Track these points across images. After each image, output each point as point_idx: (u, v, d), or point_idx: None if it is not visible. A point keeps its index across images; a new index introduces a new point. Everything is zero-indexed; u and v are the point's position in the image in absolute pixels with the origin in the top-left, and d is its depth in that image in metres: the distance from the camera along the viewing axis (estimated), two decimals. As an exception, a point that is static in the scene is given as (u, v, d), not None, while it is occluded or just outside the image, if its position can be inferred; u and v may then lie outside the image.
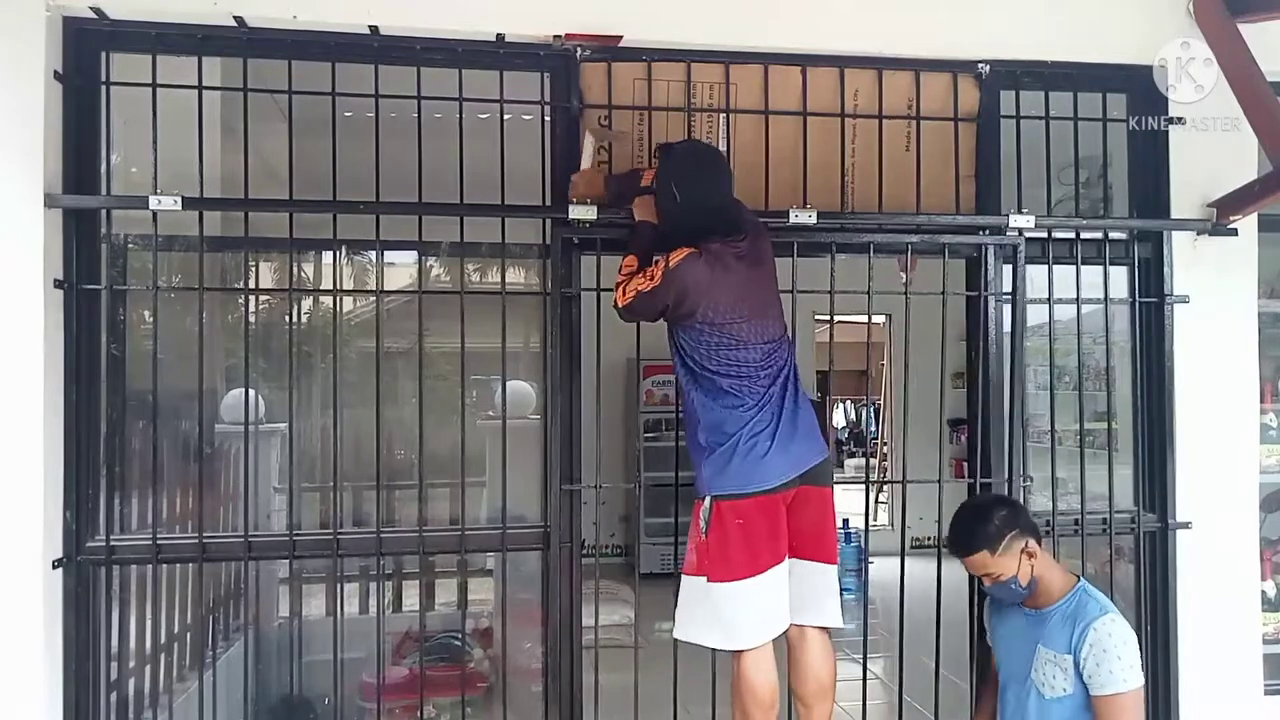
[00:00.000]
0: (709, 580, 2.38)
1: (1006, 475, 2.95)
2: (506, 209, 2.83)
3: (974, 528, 2.41)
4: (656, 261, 2.47)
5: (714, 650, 2.50)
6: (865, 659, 2.98)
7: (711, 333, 2.42)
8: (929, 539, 3.12)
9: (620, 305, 2.50)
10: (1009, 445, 2.96)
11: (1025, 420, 3.03)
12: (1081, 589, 2.40)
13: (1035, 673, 2.39)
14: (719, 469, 2.40)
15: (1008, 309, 2.99)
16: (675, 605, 2.48)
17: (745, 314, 2.44)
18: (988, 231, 2.97)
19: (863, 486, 3.87)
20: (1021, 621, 2.47)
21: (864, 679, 3.00)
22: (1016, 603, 2.47)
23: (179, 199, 2.60)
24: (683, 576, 2.47)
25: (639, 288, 2.45)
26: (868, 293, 2.92)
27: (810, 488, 2.47)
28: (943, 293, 2.96)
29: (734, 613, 2.35)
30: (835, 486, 2.61)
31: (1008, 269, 2.99)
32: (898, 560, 2.98)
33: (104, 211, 2.65)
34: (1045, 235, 3.03)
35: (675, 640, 2.52)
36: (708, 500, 2.40)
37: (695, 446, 2.49)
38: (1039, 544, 2.40)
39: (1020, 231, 2.93)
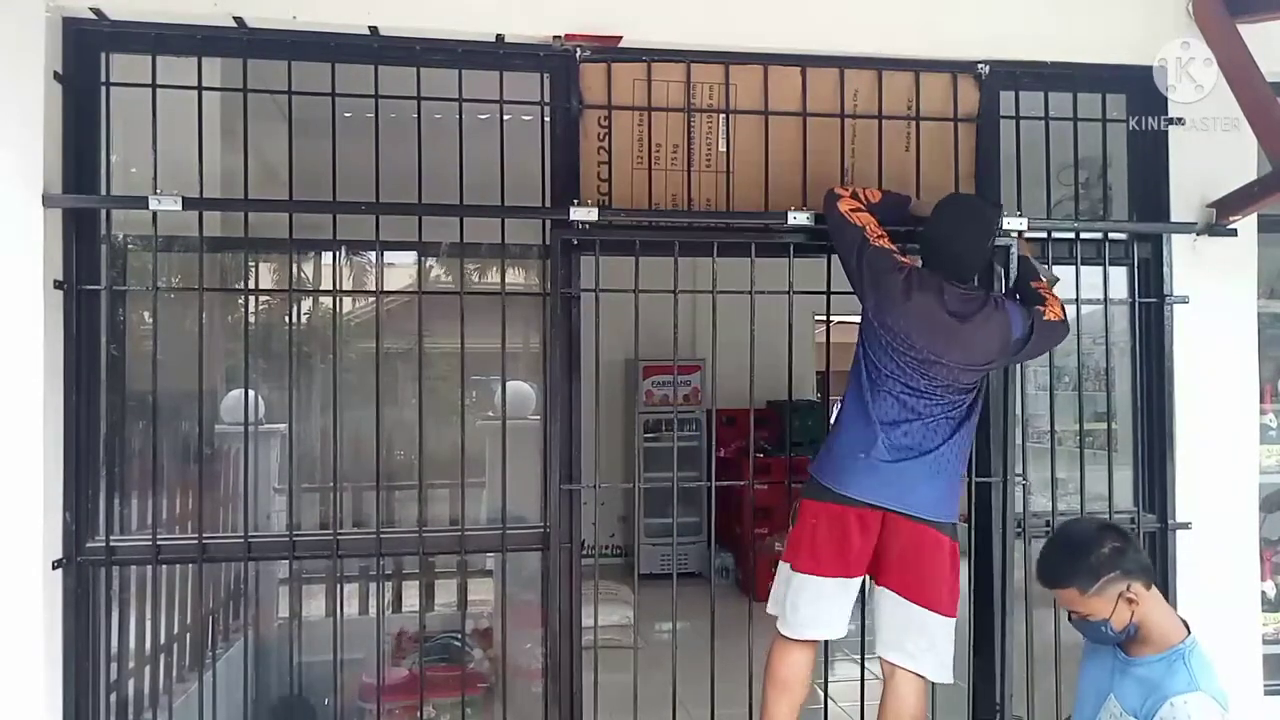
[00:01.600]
0: (782, 559, 2.61)
1: (1002, 474, 2.95)
2: (506, 210, 2.83)
3: (1068, 560, 2.13)
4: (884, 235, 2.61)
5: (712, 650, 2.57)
6: (863, 658, 2.98)
7: (878, 328, 2.52)
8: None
9: (838, 206, 2.61)
10: (1005, 444, 2.96)
11: (1022, 420, 3.03)
12: (1183, 651, 2.07)
13: None
14: (824, 452, 2.58)
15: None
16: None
17: (914, 345, 2.47)
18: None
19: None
20: (1109, 663, 2.20)
21: (861, 679, 3.01)
22: (1110, 643, 2.19)
23: (179, 199, 2.60)
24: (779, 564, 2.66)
25: (865, 223, 2.58)
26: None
27: (904, 520, 2.48)
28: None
29: (788, 598, 2.53)
30: (951, 542, 2.53)
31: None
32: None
33: (104, 212, 2.65)
34: (1045, 236, 3.03)
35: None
36: (803, 490, 2.61)
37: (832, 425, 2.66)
38: (1147, 588, 2.10)
39: (1012, 234, 2.92)
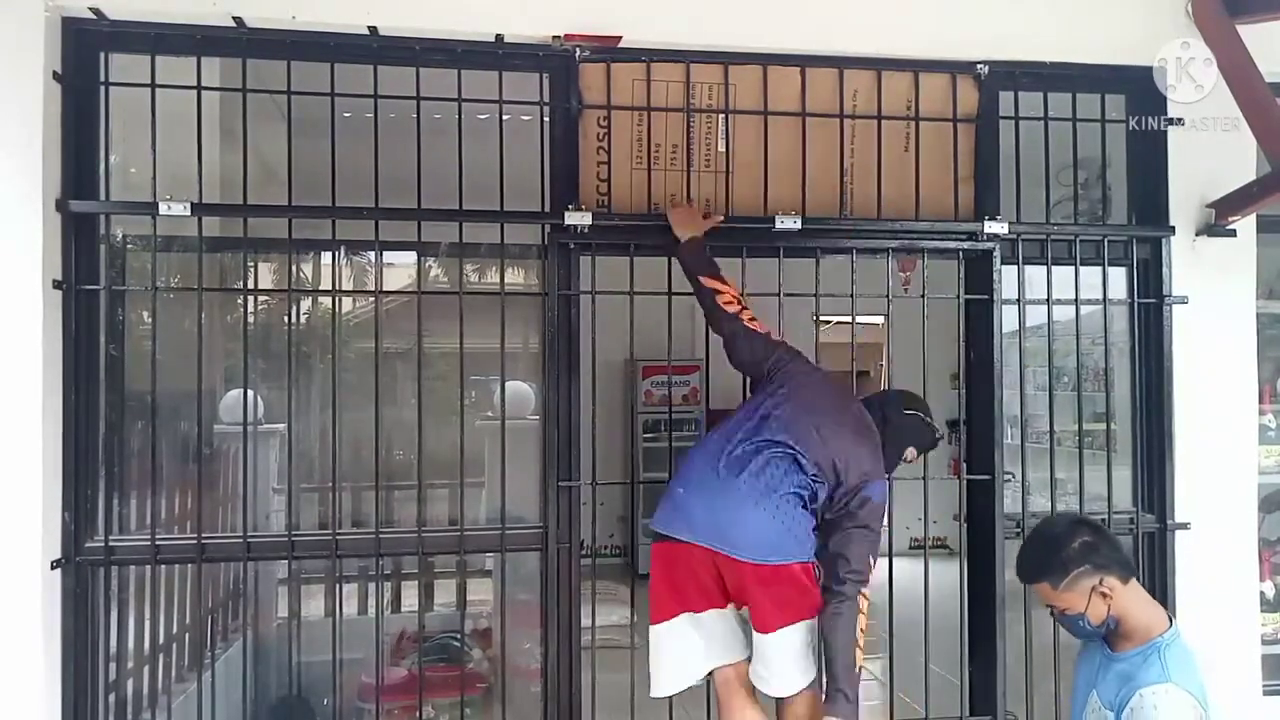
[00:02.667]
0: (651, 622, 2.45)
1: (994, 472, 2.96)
2: (504, 214, 2.83)
3: (1040, 555, 2.15)
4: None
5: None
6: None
7: (765, 398, 2.43)
8: (935, 539, 3.13)
9: (743, 327, 2.53)
10: (995, 442, 2.97)
11: (1022, 420, 3.04)
12: (1159, 644, 2.07)
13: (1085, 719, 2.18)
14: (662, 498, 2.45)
15: (1004, 309, 2.99)
16: None
17: (789, 410, 2.39)
18: (965, 237, 2.98)
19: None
20: (1097, 659, 2.20)
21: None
22: (1094, 638, 2.19)
23: (187, 205, 2.62)
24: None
25: (756, 325, 2.53)
26: (851, 295, 2.94)
27: (729, 559, 2.30)
28: (922, 295, 2.97)
29: (651, 656, 2.42)
30: (783, 572, 2.32)
31: (1010, 270, 3.00)
32: (901, 560, 2.99)
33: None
34: (1044, 236, 3.04)
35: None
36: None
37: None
38: (1124, 582, 2.10)
39: (995, 237, 2.94)
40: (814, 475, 2.35)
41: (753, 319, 2.55)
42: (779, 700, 2.39)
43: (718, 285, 2.58)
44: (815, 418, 2.40)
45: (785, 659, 2.34)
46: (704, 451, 2.42)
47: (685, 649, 2.40)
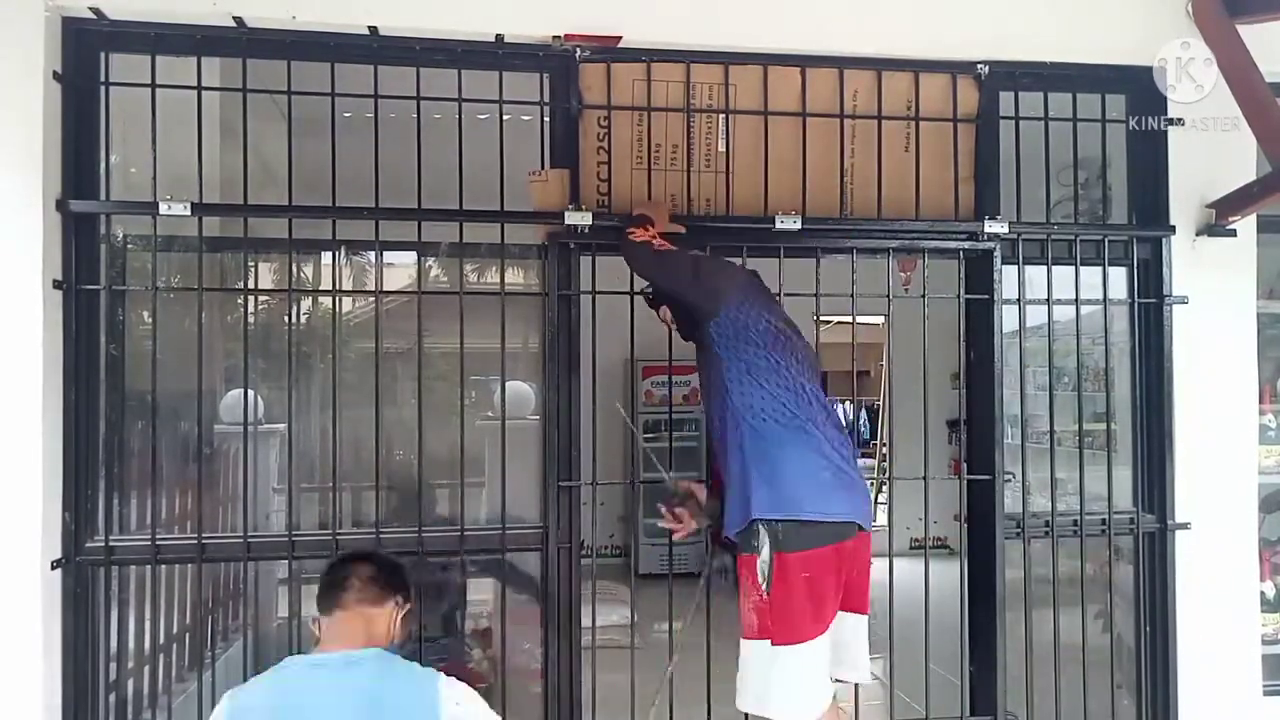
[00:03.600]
0: (773, 644, 2.18)
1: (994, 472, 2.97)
2: (504, 215, 2.83)
3: None
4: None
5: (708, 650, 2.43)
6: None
7: (769, 325, 2.29)
8: (935, 539, 3.13)
9: (641, 240, 2.41)
10: (995, 442, 2.97)
11: (1022, 421, 3.04)
12: None
13: None
14: (772, 485, 2.18)
15: (1004, 309, 2.99)
16: (736, 670, 2.31)
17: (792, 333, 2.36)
18: (965, 237, 2.98)
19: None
20: None
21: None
22: None
23: (187, 205, 2.62)
24: (742, 642, 2.27)
25: (667, 245, 2.41)
26: (851, 295, 2.94)
27: (865, 534, 2.30)
28: (923, 295, 2.97)
29: (803, 677, 2.17)
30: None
31: (1010, 270, 3.00)
32: (901, 560, 2.99)
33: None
34: (1044, 236, 3.04)
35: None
36: (766, 549, 2.18)
37: (738, 468, 2.26)
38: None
39: (996, 237, 2.94)
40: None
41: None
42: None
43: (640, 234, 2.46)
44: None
45: (866, 639, 2.37)
46: (807, 406, 2.24)
47: (824, 663, 2.23)
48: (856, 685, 2.94)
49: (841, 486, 2.23)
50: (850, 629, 2.35)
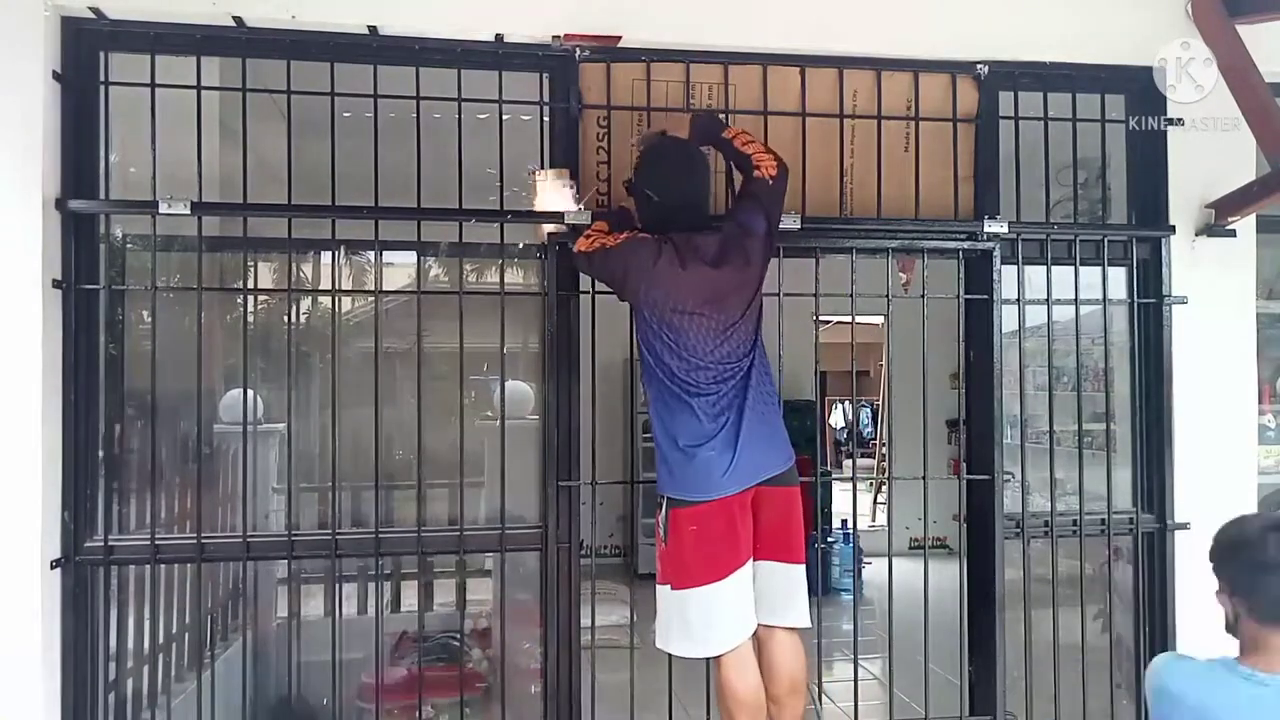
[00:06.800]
0: (672, 588, 2.39)
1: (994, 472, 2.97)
2: (504, 214, 2.83)
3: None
4: (624, 231, 2.51)
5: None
6: (856, 657, 2.99)
7: (661, 326, 2.40)
8: (935, 539, 3.13)
9: (578, 250, 2.52)
10: (995, 442, 2.97)
11: (1021, 420, 3.04)
12: None
13: None
14: (671, 474, 2.41)
15: (1004, 309, 2.99)
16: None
17: (702, 311, 2.38)
18: (965, 237, 2.98)
19: (862, 486, 3.87)
20: None
21: (855, 678, 3.01)
22: None
23: (187, 204, 2.62)
24: (656, 585, 2.48)
25: (604, 243, 2.47)
26: (851, 295, 2.94)
27: (771, 488, 2.44)
28: (922, 295, 2.97)
29: (698, 619, 2.35)
30: (801, 486, 2.53)
31: (1010, 270, 3.00)
32: (901, 560, 3.00)
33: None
34: (1044, 236, 3.04)
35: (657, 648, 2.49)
36: (664, 507, 2.42)
37: (657, 445, 2.48)
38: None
39: (995, 237, 2.94)
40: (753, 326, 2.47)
41: (604, 244, 2.49)
42: (784, 638, 2.46)
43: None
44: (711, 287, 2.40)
45: (804, 586, 2.48)
46: (699, 399, 2.39)
47: (746, 601, 2.38)
48: (856, 685, 2.97)
49: (724, 459, 2.36)
50: (781, 576, 2.46)
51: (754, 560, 2.43)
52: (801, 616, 2.49)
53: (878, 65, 2.99)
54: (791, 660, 2.48)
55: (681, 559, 2.38)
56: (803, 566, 2.51)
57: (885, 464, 9.13)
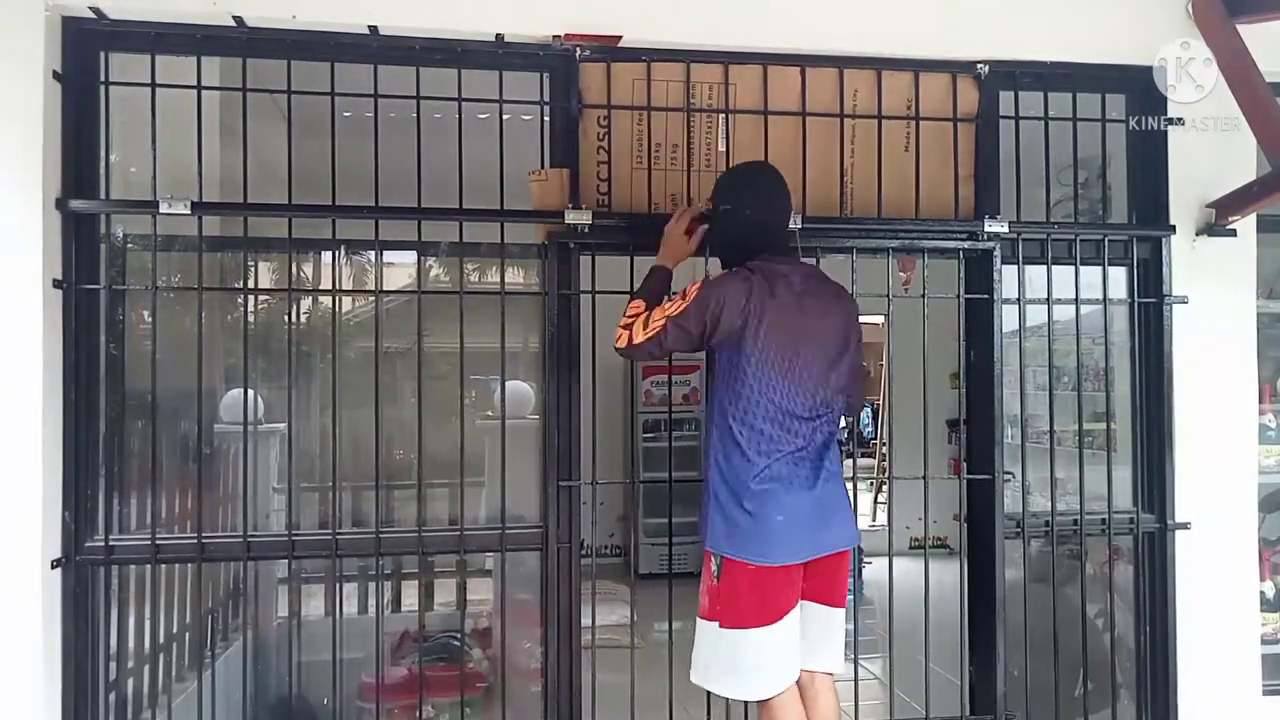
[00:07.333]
0: (721, 626, 2.28)
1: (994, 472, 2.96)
2: (504, 214, 2.83)
3: None
4: (678, 292, 2.40)
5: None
6: (856, 657, 2.99)
7: (759, 364, 2.26)
8: (935, 539, 3.13)
9: (638, 344, 2.36)
10: (995, 442, 2.97)
11: (1021, 420, 3.04)
12: None
13: None
14: (732, 529, 2.27)
15: (1004, 309, 3.00)
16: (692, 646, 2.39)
17: (798, 349, 2.30)
18: (965, 237, 2.98)
19: (863, 485, 3.87)
20: None
21: (855, 677, 3.01)
22: None
23: (187, 204, 2.62)
24: (697, 620, 2.36)
25: (668, 313, 2.32)
26: (851, 295, 2.93)
27: (831, 556, 2.38)
28: (922, 295, 2.97)
29: (748, 662, 2.26)
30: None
31: (1010, 269, 3.01)
32: (901, 559, 3.00)
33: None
34: (1044, 236, 3.04)
35: (693, 682, 2.41)
36: (717, 560, 2.30)
37: (711, 490, 2.35)
38: None
39: (996, 236, 2.94)
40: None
41: (668, 313, 2.35)
42: (823, 684, 2.44)
43: (639, 307, 2.45)
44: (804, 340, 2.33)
45: (843, 630, 2.46)
46: (780, 459, 2.28)
47: (795, 644, 2.32)
48: (856, 685, 2.97)
49: (794, 529, 2.27)
50: (824, 619, 2.42)
51: (801, 601, 2.37)
52: (836, 660, 2.45)
53: (878, 65, 2.99)
54: (828, 706, 2.44)
55: (735, 600, 2.26)
56: (844, 611, 2.45)
57: (886, 463, 9.15)
